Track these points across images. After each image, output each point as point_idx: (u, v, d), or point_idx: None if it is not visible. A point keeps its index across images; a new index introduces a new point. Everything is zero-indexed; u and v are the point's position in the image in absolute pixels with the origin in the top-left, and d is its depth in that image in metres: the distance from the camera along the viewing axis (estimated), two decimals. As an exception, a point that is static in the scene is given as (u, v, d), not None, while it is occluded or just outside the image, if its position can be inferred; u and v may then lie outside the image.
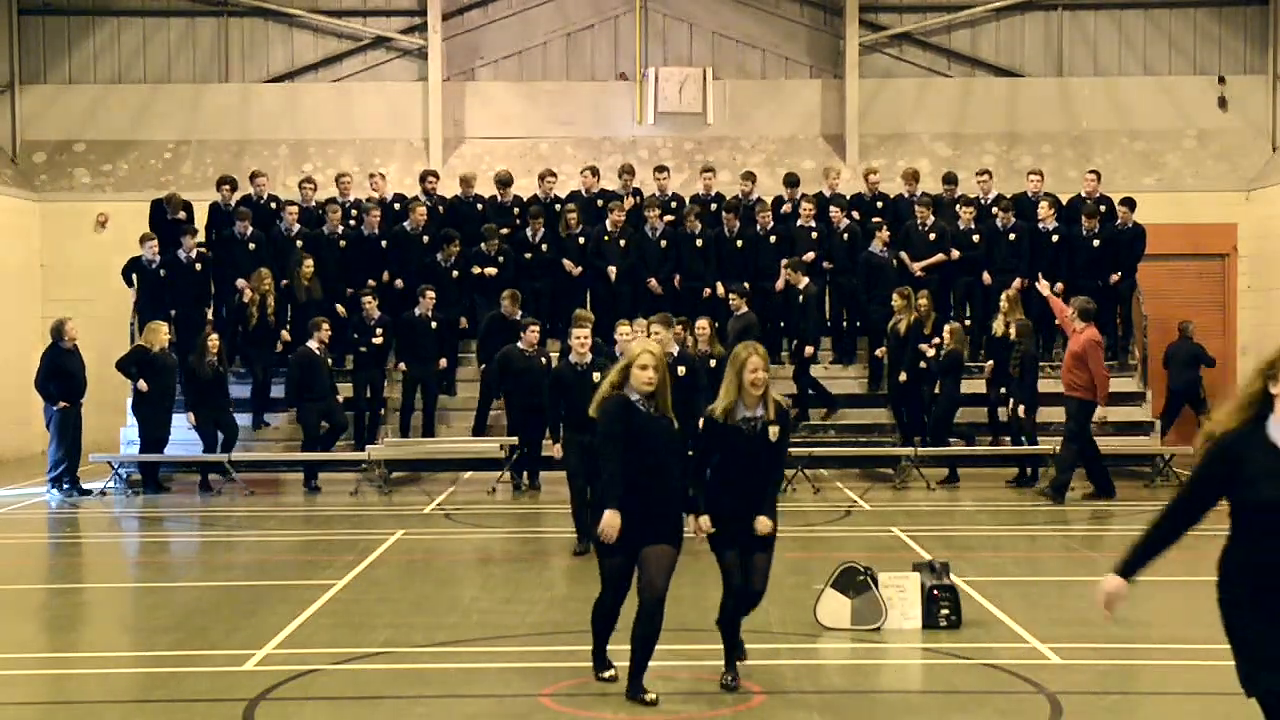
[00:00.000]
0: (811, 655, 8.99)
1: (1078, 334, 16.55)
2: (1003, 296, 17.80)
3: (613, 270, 19.22)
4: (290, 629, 9.64)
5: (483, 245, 19.40)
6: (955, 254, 19.43)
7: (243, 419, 18.48)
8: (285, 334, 18.92)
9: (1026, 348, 17.11)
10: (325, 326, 17.63)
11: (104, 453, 18.10)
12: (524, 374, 16.50)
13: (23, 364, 18.21)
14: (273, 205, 20.34)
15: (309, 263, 18.92)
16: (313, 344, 17.49)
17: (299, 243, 19.37)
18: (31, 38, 23.95)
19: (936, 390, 17.49)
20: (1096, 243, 19.29)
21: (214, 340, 17.58)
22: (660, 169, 20.90)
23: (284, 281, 19.01)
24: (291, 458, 18.46)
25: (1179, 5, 23.99)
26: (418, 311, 18.48)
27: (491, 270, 19.27)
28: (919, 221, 19.48)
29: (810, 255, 19.28)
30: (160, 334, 17.46)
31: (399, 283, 19.42)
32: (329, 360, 17.87)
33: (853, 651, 9.13)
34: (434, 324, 18.61)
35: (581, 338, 12.62)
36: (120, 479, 17.57)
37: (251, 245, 19.38)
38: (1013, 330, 17.20)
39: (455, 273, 19.29)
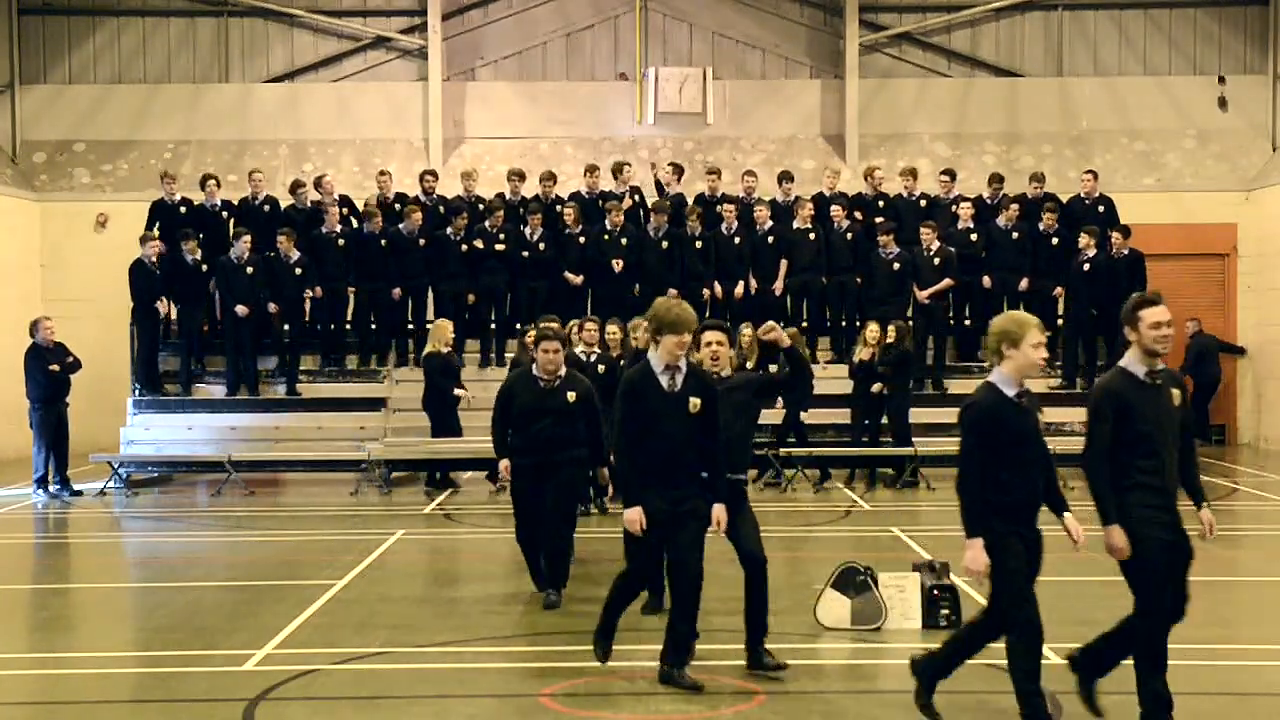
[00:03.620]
0: (811, 655, 8.98)
1: None
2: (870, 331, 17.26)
3: (618, 263, 19.18)
4: (290, 629, 9.64)
5: (487, 223, 19.48)
6: (952, 282, 19.16)
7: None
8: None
9: (906, 348, 16.90)
10: (449, 330, 17.52)
11: (104, 452, 18.10)
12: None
13: (22, 364, 18.12)
14: (265, 208, 20.30)
15: None
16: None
17: (383, 242, 19.44)
18: (31, 38, 23.96)
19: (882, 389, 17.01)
20: (1087, 266, 18.89)
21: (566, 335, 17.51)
22: (674, 166, 20.81)
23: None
24: (292, 457, 18.46)
25: (1179, 5, 24.00)
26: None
27: (500, 245, 19.37)
28: (924, 247, 19.02)
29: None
30: (447, 332, 17.43)
31: (396, 292, 19.43)
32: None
33: (853, 651, 9.13)
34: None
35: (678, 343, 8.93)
36: (120, 479, 17.57)
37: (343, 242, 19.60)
38: (891, 333, 17.00)
39: (464, 246, 19.36)
